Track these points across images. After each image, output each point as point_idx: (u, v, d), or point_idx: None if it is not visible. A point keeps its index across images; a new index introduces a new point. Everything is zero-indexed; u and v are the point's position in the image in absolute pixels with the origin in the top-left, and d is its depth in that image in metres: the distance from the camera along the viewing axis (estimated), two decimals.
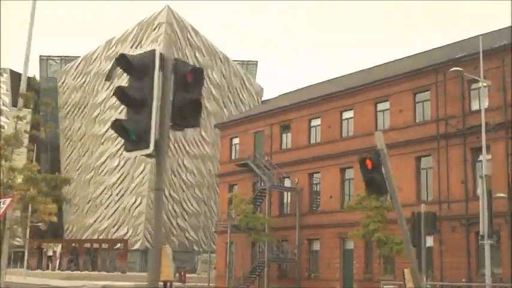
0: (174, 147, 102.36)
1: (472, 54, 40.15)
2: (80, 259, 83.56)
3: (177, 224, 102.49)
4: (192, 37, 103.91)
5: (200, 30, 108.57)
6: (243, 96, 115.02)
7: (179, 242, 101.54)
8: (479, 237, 28.75)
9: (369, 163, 11.44)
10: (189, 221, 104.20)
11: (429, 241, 41.64)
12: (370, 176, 11.36)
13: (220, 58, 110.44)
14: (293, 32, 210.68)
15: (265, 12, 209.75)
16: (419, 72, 43.70)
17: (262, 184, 52.21)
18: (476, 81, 40.39)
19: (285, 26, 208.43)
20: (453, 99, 41.32)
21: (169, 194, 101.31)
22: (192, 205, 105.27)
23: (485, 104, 39.68)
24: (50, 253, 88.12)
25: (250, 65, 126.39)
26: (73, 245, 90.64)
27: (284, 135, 54.64)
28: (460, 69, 32.33)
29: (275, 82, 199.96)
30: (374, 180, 11.34)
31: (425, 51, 50.85)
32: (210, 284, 50.07)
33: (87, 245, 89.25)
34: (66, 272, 78.81)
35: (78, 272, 79.34)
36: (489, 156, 38.85)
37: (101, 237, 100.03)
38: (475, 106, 40.34)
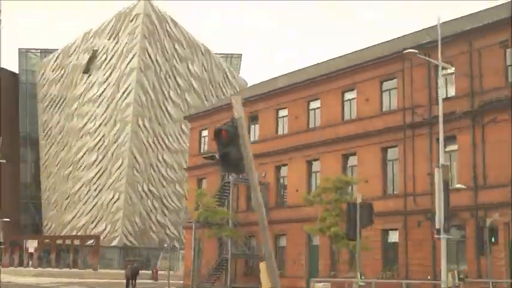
0: (153, 141, 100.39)
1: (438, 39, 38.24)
2: (52, 256, 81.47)
3: (157, 220, 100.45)
4: (171, 28, 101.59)
5: (184, 24, 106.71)
6: (225, 89, 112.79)
7: (159, 239, 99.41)
8: (436, 231, 26.70)
9: (224, 135, 9.39)
10: (169, 217, 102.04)
11: (394, 236, 39.97)
12: (225, 151, 9.30)
13: (201, 51, 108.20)
14: (282, 26, 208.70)
15: (255, 6, 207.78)
16: (386, 60, 41.61)
17: (228, 177, 50.18)
18: (444, 68, 38.50)
19: (274, 19, 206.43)
20: (420, 87, 39.28)
21: (148, 189, 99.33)
22: (172, 201, 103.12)
23: (452, 91, 38.07)
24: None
25: (234, 58, 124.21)
26: (46, 241, 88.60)
27: (252, 127, 52.58)
28: (415, 51, 30.16)
29: (263, 76, 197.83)
30: (229, 155, 9.28)
31: (394, 39, 48.76)
32: (173, 282, 48.19)
33: (60, 241, 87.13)
34: (38, 269, 76.81)
35: (50, 268, 77.35)
36: (455, 147, 37.03)
37: (79, 234, 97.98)
38: (442, 94, 38.33)
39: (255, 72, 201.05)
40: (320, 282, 25.94)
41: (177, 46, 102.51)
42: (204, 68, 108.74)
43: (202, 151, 57.05)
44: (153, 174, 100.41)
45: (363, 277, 24.16)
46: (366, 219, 23.30)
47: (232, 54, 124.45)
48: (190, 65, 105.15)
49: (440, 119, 28.58)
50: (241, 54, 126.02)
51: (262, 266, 9.96)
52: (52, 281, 58.88)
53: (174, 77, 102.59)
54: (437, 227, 26.31)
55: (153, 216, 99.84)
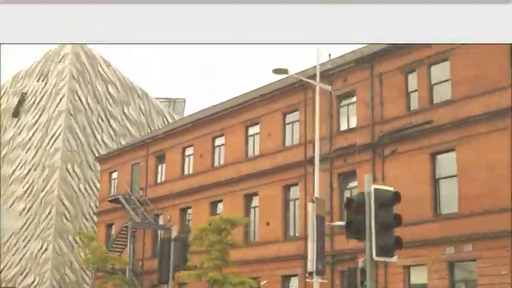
0: (85, 188, 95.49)
1: (340, 65, 35.30)
2: None
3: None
4: (103, 70, 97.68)
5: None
6: None
7: None
8: (308, 274, 22.91)
9: None
10: None
11: (295, 283, 36.08)
12: None
13: (138, 94, 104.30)
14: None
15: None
16: (288, 90, 38.37)
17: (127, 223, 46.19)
18: (346, 97, 35.48)
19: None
20: (321, 119, 35.84)
21: (80, 238, 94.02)
22: None
23: (354, 121, 34.94)
24: None
25: (178, 103, 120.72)
26: None
27: (159, 167, 48.86)
28: (285, 68, 26.70)
29: None
30: None
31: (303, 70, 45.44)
32: None
33: None
34: None
35: None
36: (356, 183, 33.62)
37: (9, 286, 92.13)
38: (343, 125, 35.13)
39: None
40: None
41: (110, 88, 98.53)
42: (142, 112, 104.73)
43: (112, 194, 53.01)
44: (85, 223, 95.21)
45: None
46: (179, 258, 19.47)
47: (175, 98, 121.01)
48: (125, 109, 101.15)
49: (316, 155, 25.48)
50: (184, 99, 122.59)
51: None
52: None
53: (108, 120, 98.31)
54: (309, 269, 22.52)
55: None
